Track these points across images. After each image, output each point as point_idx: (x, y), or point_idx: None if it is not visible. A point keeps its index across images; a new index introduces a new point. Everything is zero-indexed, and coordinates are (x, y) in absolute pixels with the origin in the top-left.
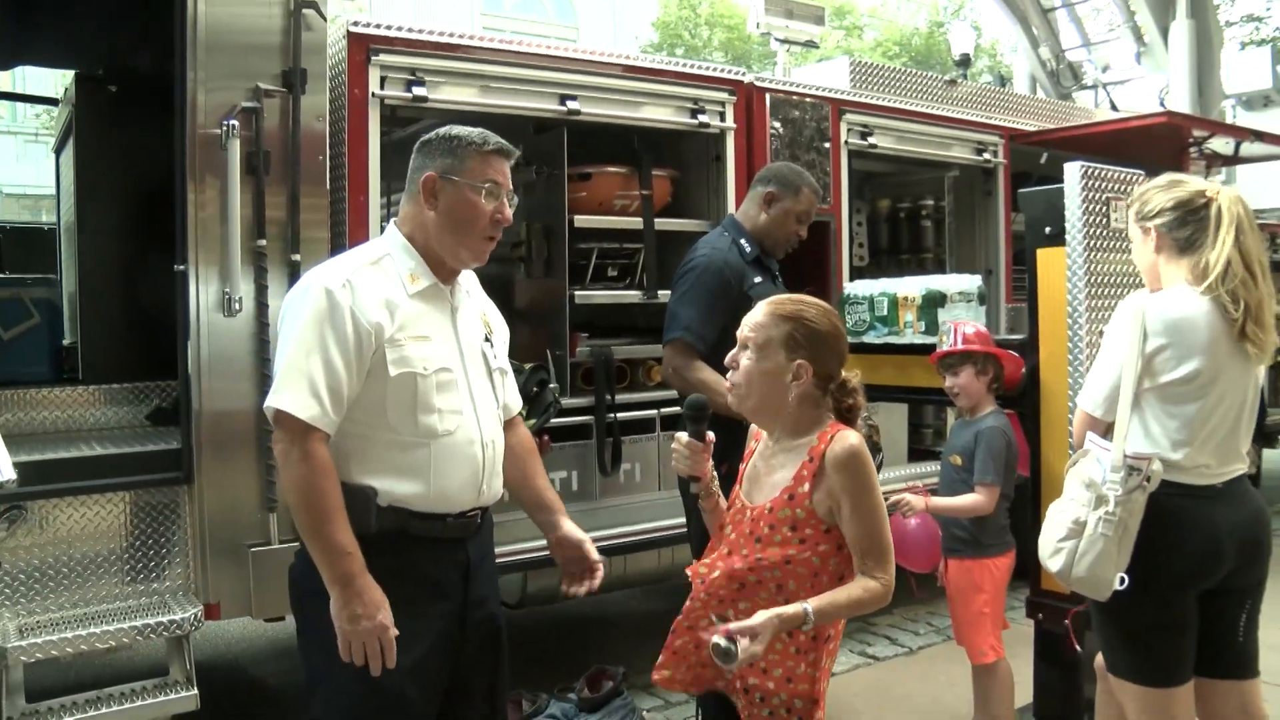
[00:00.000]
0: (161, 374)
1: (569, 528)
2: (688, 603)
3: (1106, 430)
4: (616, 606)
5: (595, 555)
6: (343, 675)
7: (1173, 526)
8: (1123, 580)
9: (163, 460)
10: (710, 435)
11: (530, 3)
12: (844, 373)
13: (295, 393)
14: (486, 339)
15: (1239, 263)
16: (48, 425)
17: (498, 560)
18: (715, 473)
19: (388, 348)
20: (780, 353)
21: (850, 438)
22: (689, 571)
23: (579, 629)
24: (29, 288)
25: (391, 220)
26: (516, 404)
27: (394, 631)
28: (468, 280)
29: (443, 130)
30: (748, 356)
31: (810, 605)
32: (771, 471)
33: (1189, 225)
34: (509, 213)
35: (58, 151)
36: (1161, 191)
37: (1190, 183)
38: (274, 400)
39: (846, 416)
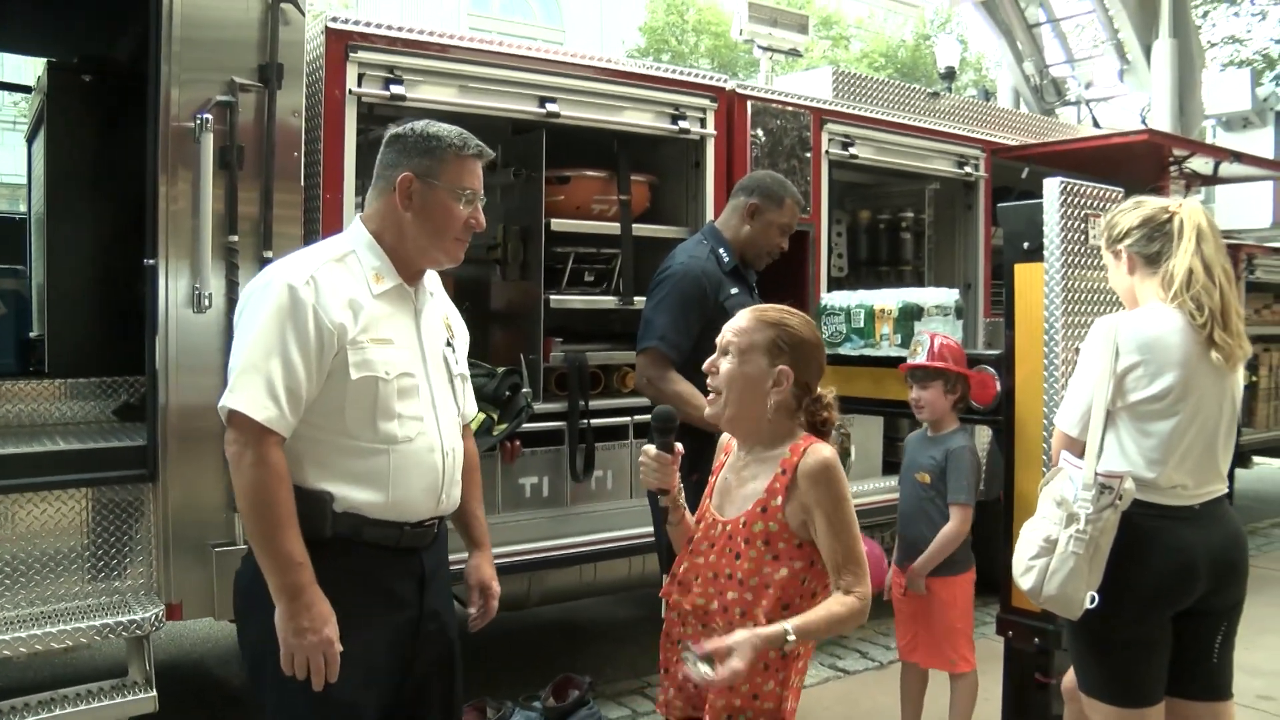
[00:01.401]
0: (130, 369)
1: (484, 570)
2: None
3: (1084, 449)
4: (587, 614)
5: (494, 605)
6: (293, 684)
7: (1147, 547)
8: (1093, 599)
9: (128, 457)
10: (679, 447)
11: (517, 4)
12: (819, 388)
13: (252, 393)
14: (448, 343)
15: (1200, 269)
16: (11, 418)
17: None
18: (683, 486)
19: (349, 350)
20: (763, 358)
21: (823, 450)
22: (663, 596)
23: (547, 636)
24: None
25: (357, 216)
26: (472, 411)
27: (339, 647)
28: (431, 281)
29: (419, 127)
30: (729, 361)
31: (790, 624)
32: (743, 483)
33: (1156, 240)
34: (482, 219)
35: (29, 140)
36: (1127, 214)
37: (1152, 201)
38: (230, 400)
39: (820, 431)
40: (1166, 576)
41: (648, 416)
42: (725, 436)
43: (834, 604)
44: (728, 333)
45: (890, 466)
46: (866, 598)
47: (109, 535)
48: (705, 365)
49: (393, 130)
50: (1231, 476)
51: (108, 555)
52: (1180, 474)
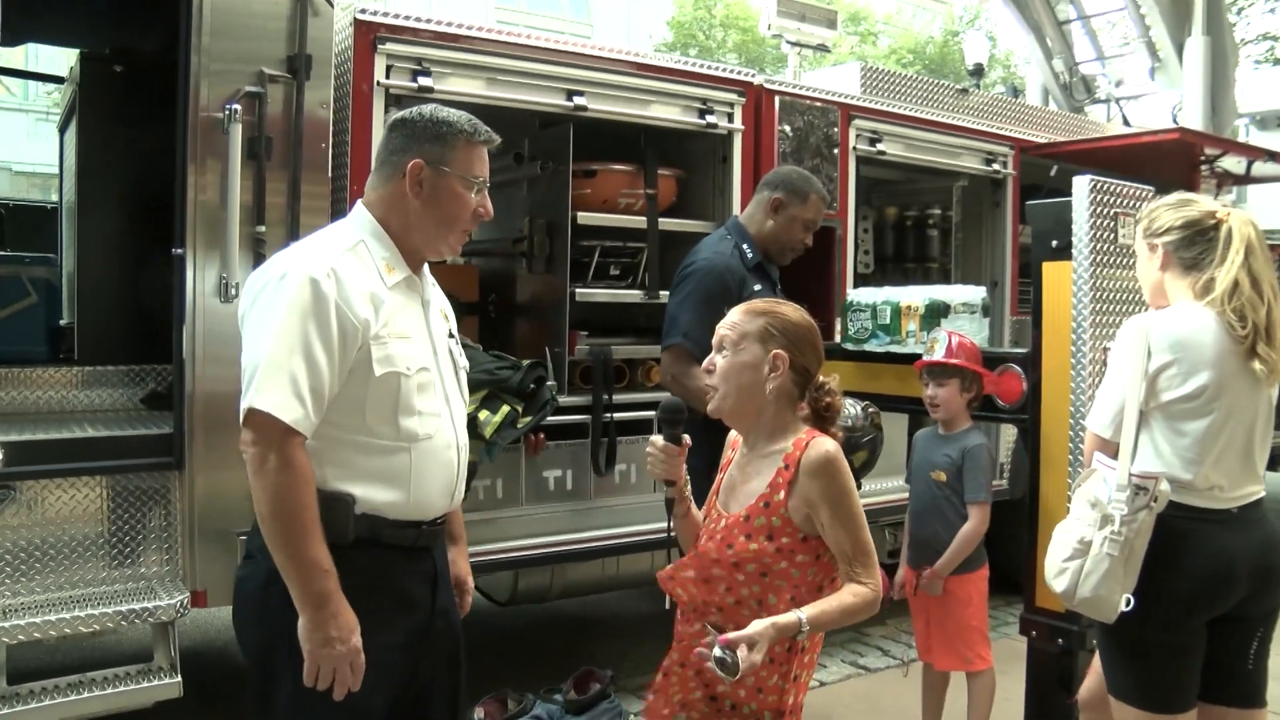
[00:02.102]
0: (158, 357)
1: (460, 565)
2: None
3: (1117, 451)
4: (608, 608)
5: (469, 601)
6: (310, 690)
7: (1183, 550)
8: (1129, 602)
9: (154, 445)
10: (686, 439)
11: None
12: (821, 376)
13: (277, 392)
14: (450, 334)
15: (1246, 282)
16: (41, 405)
17: (489, 559)
18: (689, 479)
19: (373, 345)
20: (756, 345)
21: (826, 444)
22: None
23: (569, 629)
24: (27, 266)
25: (359, 202)
26: (466, 402)
27: (364, 656)
28: (427, 271)
29: (427, 111)
30: (723, 355)
31: (805, 613)
32: (747, 480)
33: (1197, 245)
34: (491, 207)
35: (62, 130)
36: (1171, 210)
37: (1200, 202)
38: (254, 400)
39: (824, 417)
40: (1203, 581)
41: None
42: (733, 433)
43: (846, 594)
44: (721, 329)
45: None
46: (878, 588)
47: (135, 522)
48: (704, 364)
49: (399, 114)
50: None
51: (134, 542)
52: (1217, 474)
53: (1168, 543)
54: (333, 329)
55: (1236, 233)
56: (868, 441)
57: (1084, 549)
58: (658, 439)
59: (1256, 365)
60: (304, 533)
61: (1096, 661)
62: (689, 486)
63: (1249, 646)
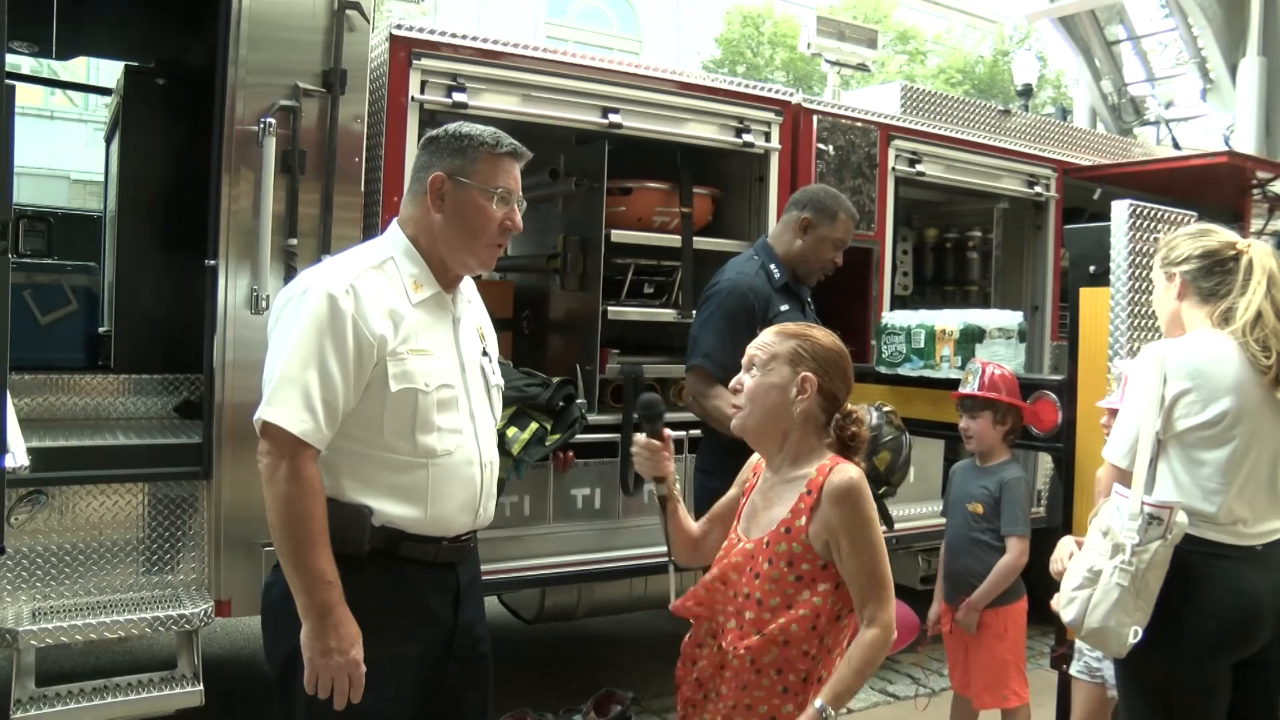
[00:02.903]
0: (193, 367)
1: None
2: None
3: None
4: (634, 628)
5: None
6: (323, 700)
7: (1208, 590)
8: (1137, 634)
9: (183, 454)
10: (669, 433)
11: (594, 13)
12: (850, 404)
13: (289, 405)
14: (484, 353)
15: (1270, 313)
16: (77, 411)
17: (516, 576)
18: (677, 477)
19: (389, 361)
20: (785, 367)
21: (849, 470)
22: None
23: (594, 648)
24: (69, 274)
25: (394, 221)
26: (498, 421)
27: (364, 668)
28: (468, 288)
29: (452, 127)
30: (752, 375)
31: (822, 699)
32: (769, 505)
33: (1215, 275)
34: (519, 220)
35: (108, 141)
36: (1190, 240)
37: (1220, 233)
38: (265, 412)
39: (850, 446)
40: (1229, 622)
41: (700, 432)
42: (756, 456)
43: (857, 649)
44: (751, 349)
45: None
46: (890, 625)
47: (163, 530)
48: (731, 384)
49: (428, 134)
50: None
51: (161, 550)
52: (1240, 507)
53: (1190, 580)
54: (349, 344)
55: (1258, 264)
56: (889, 443)
57: (1094, 578)
58: (640, 436)
59: None
60: (309, 543)
61: (1085, 694)
62: (679, 484)
63: (1272, 695)
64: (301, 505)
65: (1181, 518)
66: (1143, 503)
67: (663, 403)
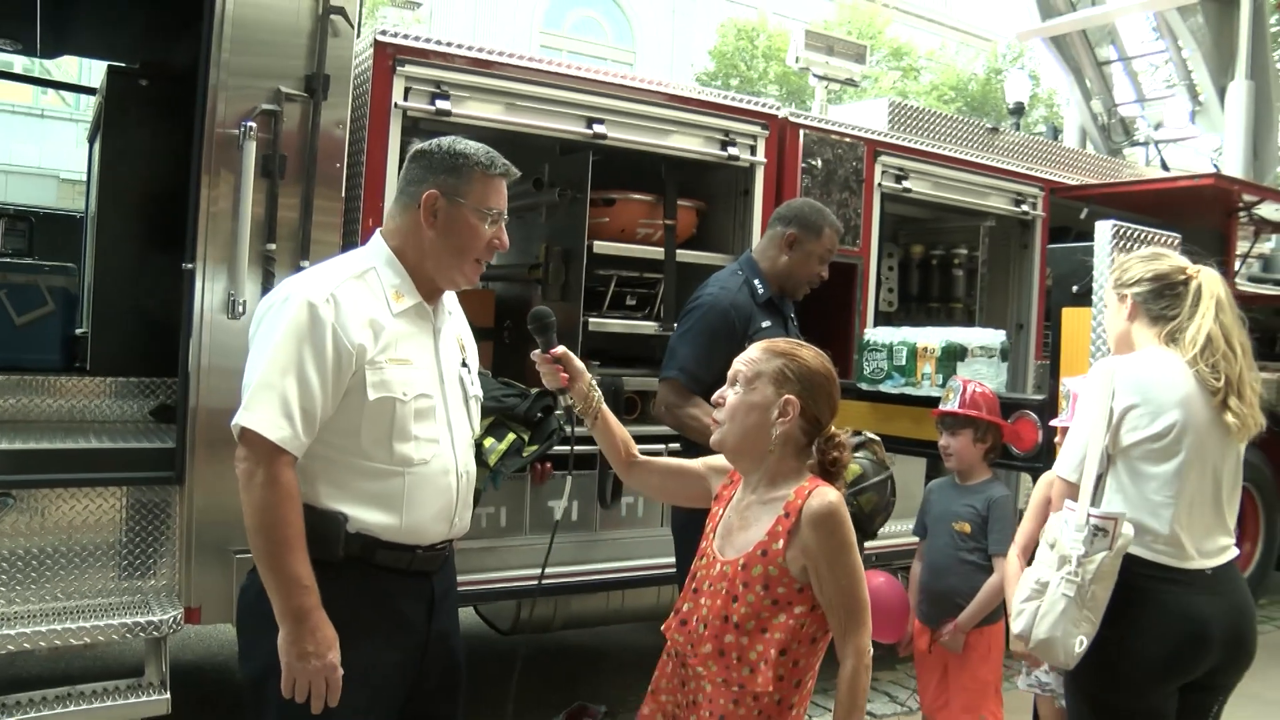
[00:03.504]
0: (170, 370)
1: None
2: (666, 664)
3: None
4: (611, 641)
5: (584, 386)
6: (297, 707)
7: (1157, 614)
8: (1082, 643)
9: (156, 458)
10: (559, 349)
11: (589, 24)
12: (834, 427)
13: (266, 411)
14: (464, 364)
15: (1219, 337)
16: (51, 414)
17: (493, 587)
18: (594, 381)
19: (368, 370)
20: (769, 386)
21: (829, 494)
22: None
23: (570, 661)
24: (46, 275)
25: (377, 231)
26: (476, 432)
27: (341, 672)
28: (450, 300)
29: (446, 143)
30: (735, 391)
31: None
32: (746, 526)
33: (1165, 298)
34: (506, 239)
35: (91, 141)
36: (1142, 263)
37: (1171, 258)
38: (243, 418)
39: (830, 472)
40: (1176, 645)
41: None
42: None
43: (844, 689)
44: (737, 364)
45: None
46: (866, 647)
47: (134, 535)
48: (714, 397)
49: (419, 146)
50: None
51: (132, 555)
52: (1188, 522)
53: (1140, 604)
54: (327, 352)
55: (1206, 289)
56: (875, 485)
57: (1041, 590)
58: (535, 353)
59: (1230, 418)
60: (285, 547)
61: (1045, 708)
62: (596, 391)
63: (1209, 712)
64: (278, 510)
65: (1127, 529)
66: (1088, 514)
67: (552, 314)
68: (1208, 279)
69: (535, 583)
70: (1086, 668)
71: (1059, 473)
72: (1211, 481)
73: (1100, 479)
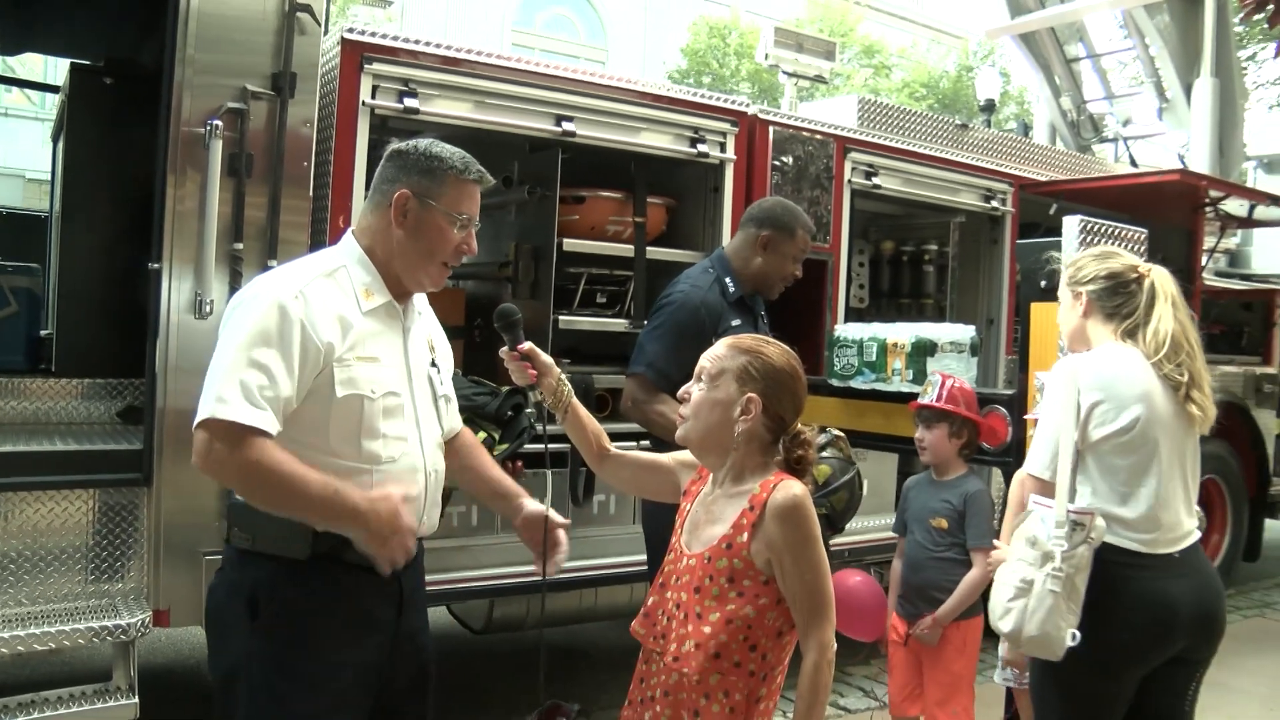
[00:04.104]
0: (137, 371)
1: (531, 506)
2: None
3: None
4: (584, 640)
5: (560, 520)
6: (265, 706)
7: (1125, 598)
8: (1074, 637)
9: (123, 460)
10: (526, 345)
11: (561, 22)
12: (800, 424)
13: (234, 403)
14: (433, 363)
15: (1180, 335)
16: (14, 416)
17: (465, 586)
18: (564, 376)
19: (336, 367)
20: (732, 384)
21: (794, 487)
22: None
23: (549, 659)
24: (10, 275)
25: (349, 230)
26: (456, 426)
27: (407, 518)
28: (420, 299)
29: (422, 145)
30: (699, 387)
31: None
32: (712, 520)
33: (1119, 295)
34: (475, 245)
35: (55, 140)
36: (1096, 261)
37: (1123, 256)
38: (213, 410)
39: (795, 469)
40: (1145, 629)
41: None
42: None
43: (805, 684)
44: (703, 360)
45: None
46: (829, 641)
47: (102, 538)
48: (679, 392)
49: (396, 145)
50: (1261, 527)
51: (99, 558)
52: (1157, 508)
53: (1110, 589)
54: (295, 348)
55: (1160, 288)
56: (845, 483)
57: (1027, 588)
58: (503, 350)
59: (1194, 410)
60: (295, 479)
61: (1022, 699)
62: (565, 385)
63: (1188, 690)
64: (268, 459)
65: (1100, 522)
66: (1067, 510)
67: (518, 311)
68: (1159, 277)
69: (527, 580)
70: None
71: (1029, 470)
72: (1177, 469)
73: (1072, 474)
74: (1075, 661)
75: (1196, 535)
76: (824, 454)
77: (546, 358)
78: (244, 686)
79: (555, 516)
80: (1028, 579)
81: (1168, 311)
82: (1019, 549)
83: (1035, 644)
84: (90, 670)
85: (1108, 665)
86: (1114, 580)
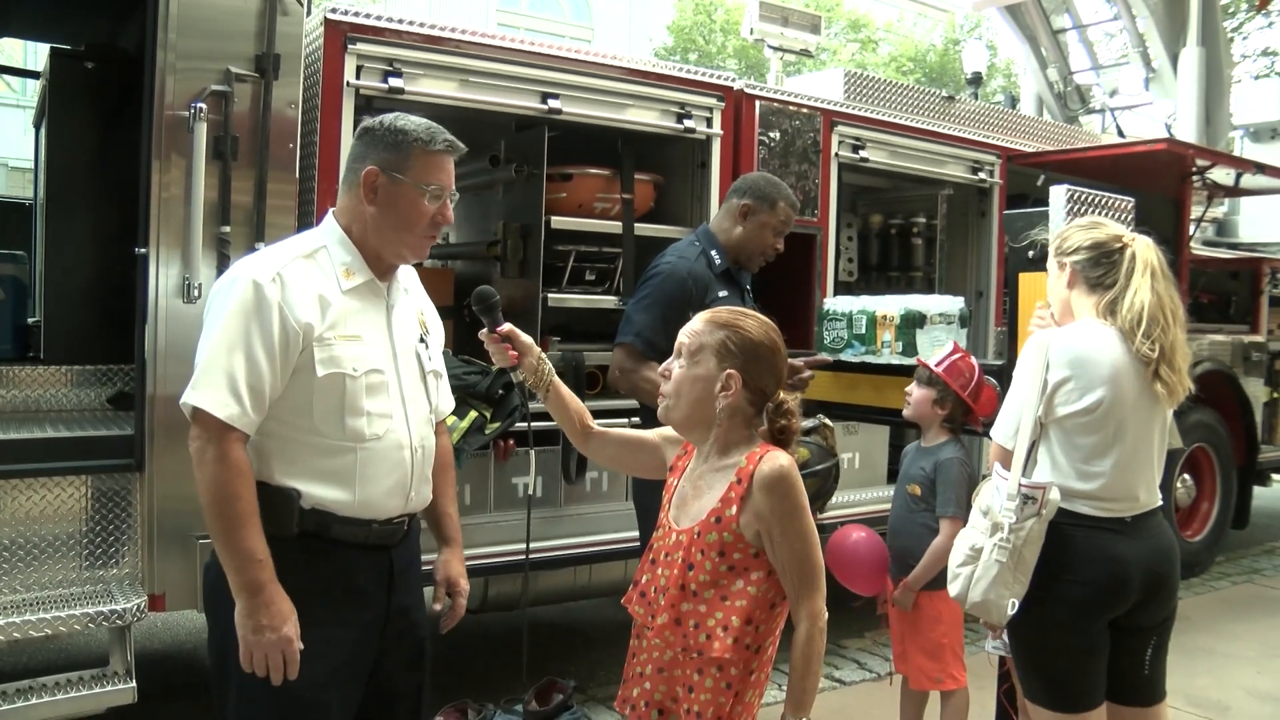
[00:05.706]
0: (126, 357)
1: (453, 567)
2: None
3: None
4: (579, 617)
5: (462, 604)
6: (256, 682)
7: (1076, 557)
8: (1014, 605)
9: (115, 446)
10: (505, 327)
11: (546, 2)
12: (782, 394)
13: (214, 390)
14: (422, 339)
15: (1156, 307)
16: (4, 404)
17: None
18: (544, 355)
19: (316, 347)
20: (711, 360)
21: (780, 459)
22: (625, 604)
23: (540, 638)
24: None
25: (330, 210)
26: (448, 408)
27: (299, 645)
28: (406, 277)
29: (388, 120)
30: (679, 364)
31: (791, 712)
32: (699, 494)
33: (1102, 266)
34: (450, 214)
35: (37, 126)
36: (1081, 231)
37: (1109, 227)
38: (192, 397)
39: (779, 439)
40: (1099, 585)
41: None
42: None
43: (798, 653)
44: (682, 335)
45: (897, 476)
46: (820, 610)
47: (95, 524)
48: (660, 369)
49: (364, 123)
50: (1249, 495)
51: (93, 544)
52: (1113, 485)
53: (1065, 550)
54: (274, 331)
55: (1140, 257)
56: (820, 470)
57: (975, 555)
58: (482, 332)
59: (1159, 388)
60: (238, 522)
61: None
62: (545, 364)
63: (1144, 654)
64: (230, 486)
65: (1055, 495)
66: (1020, 484)
67: (496, 293)
68: (1141, 247)
69: (521, 558)
70: (1023, 616)
71: (995, 438)
72: (1143, 449)
73: (1033, 446)
74: (1040, 621)
75: (1156, 503)
76: (807, 438)
77: (526, 338)
78: (235, 662)
79: (462, 581)
80: (976, 546)
81: (1145, 283)
82: (974, 517)
83: (979, 609)
84: (87, 656)
85: (1068, 622)
86: (1068, 540)
